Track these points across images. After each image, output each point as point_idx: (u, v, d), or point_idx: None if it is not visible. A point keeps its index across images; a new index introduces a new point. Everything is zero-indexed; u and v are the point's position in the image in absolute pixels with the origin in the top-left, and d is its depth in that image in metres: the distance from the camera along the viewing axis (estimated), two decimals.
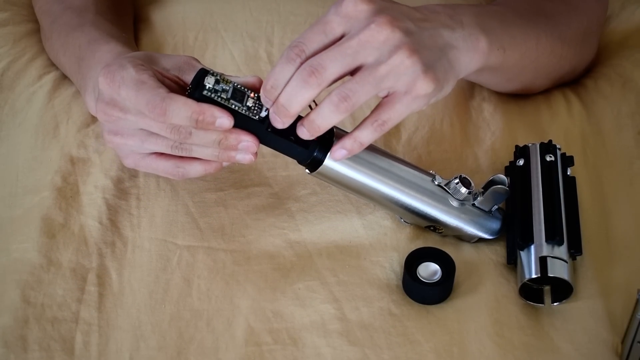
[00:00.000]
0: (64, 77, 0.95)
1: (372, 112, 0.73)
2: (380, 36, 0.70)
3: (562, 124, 0.93)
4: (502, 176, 0.80)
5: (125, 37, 0.90)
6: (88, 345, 0.75)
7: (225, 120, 0.72)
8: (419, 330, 0.75)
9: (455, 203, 0.79)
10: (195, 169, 0.77)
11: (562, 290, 0.77)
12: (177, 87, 0.76)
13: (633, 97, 0.94)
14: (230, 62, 0.97)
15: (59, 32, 0.92)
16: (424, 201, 0.79)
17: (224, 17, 1.00)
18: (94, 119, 0.91)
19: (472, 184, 0.79)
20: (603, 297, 0.77)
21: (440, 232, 0.82)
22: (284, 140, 0.74)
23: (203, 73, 0.73)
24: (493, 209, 0.81)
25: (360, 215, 0.83)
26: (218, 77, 0.73)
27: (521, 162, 0.84)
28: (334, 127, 0.75)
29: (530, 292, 0.77)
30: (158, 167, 0.77)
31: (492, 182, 0.80)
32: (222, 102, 0.72)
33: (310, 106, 0.73)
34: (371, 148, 0.78)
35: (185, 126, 0.73)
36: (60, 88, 0.94)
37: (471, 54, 0.77)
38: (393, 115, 0.72)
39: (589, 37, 0.96)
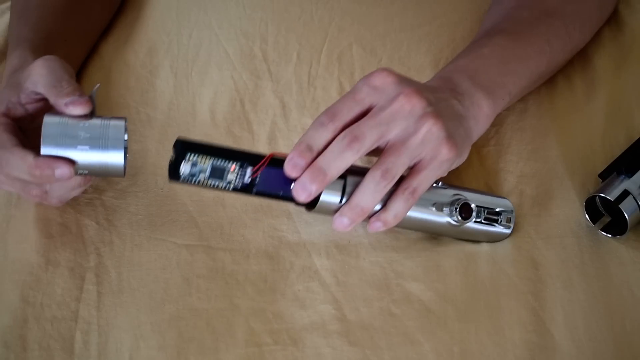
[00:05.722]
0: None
1: (401, 182, 0.74)
2: (408, 106, 0.73)
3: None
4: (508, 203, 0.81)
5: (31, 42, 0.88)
6: (88, 344, 0.75)
7: (65, 170, 0.73)
8: (419, 330, 0.76)
9: (455, 222, 0.79)
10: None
11: (616, 226, 0.80)
12: (42, 106, 0.78)
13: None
14: (225, 60, 0.96)
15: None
16: (421, 220, 0.79)
17: (218, 14, 1.00)
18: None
19: (474, 210, 0.79)
20: (604, 295, 0.77)
21: None
22: (275, 195, 0.75)
23: (181, 152, 0.73)
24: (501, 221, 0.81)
25: None
26: (195, 159, 0.73)
27: None
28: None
29: (592, 209, 0.81)
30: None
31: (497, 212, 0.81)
32: (201, 184, 0.73)
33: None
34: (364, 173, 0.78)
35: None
36: None
37: (479, 120, 0.80)
38: (422, 181, 0.74)
39: (606, 2, 0.96)
